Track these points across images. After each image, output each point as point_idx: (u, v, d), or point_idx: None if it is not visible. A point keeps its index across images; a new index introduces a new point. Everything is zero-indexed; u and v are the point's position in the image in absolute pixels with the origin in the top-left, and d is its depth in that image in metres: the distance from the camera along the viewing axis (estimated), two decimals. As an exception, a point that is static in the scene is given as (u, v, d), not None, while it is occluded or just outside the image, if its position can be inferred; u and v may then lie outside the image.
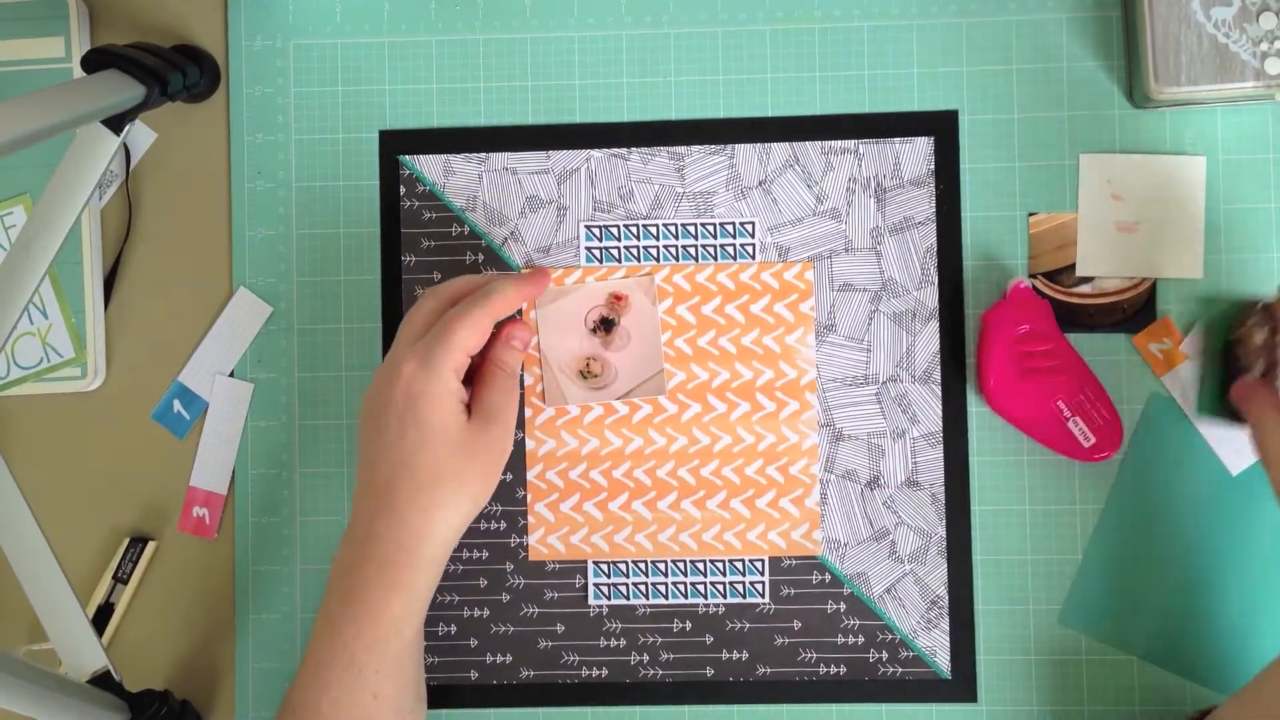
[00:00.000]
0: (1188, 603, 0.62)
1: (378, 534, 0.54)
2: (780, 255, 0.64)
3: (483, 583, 0.65)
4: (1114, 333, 0.63)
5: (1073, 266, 0.63)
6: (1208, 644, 0.62)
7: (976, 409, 0.63)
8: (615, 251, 0.64)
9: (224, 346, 0.65)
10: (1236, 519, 0.61)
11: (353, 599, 0.54)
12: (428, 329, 0.56)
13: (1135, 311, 0.63)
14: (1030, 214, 0.63)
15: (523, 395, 0.64)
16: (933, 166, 0.64)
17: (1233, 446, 0.62)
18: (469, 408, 0.56)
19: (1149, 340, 0.63)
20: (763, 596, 0.64)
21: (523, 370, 0.64)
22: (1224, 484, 0.62)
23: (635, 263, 0.64)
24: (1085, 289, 0.63)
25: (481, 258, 0.65)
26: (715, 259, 0.64)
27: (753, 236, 0.64)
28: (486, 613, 0.64)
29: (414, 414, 0.54)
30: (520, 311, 0.64)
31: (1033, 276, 0.63)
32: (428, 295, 0.58)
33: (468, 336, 0.55)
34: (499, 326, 0.58)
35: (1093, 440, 0.60)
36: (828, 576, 0.63)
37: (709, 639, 0.64)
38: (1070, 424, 0.61)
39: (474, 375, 0.58)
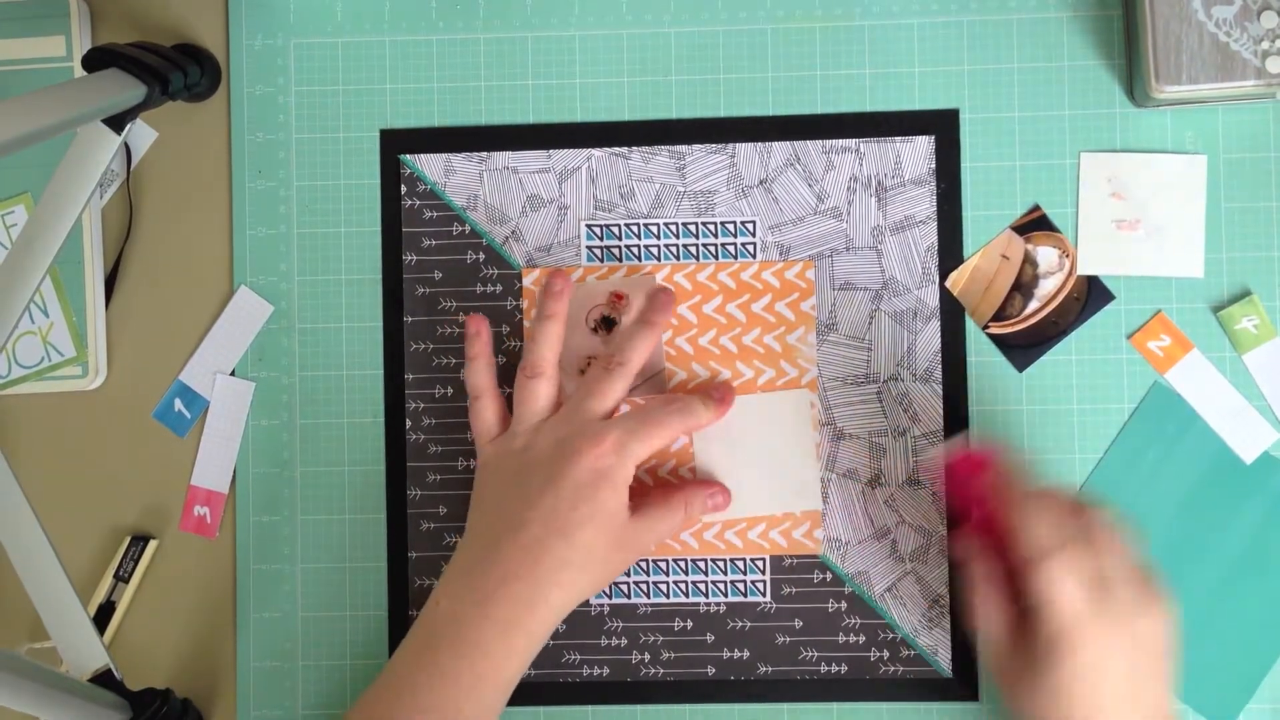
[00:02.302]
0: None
1: (510, 596, 0.54)
2: (781, 254, 0.64)
3: (484, 582, 0.64)
4: (1110, 342, 0.63)
5: (1009, 299, 0.63)
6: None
7: (976, 408, 0.63)
8: (616, 250, 0.64)
9: (225, 345, 0.65)
10: (1235, 509, 0.61)
11: (471, 653, 0.54)
12: (606, 397, 0.58)
13: (1083, 300, 0.62)
14: (941, 282, 0.62)
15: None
16: (933, 165, 0.64)
17: (1242, 435, 0.62)
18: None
19: (1146, 339, 0.63)
20: (764, 595, 0.64)
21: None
22: (1231, 470, 0.62)
23: (636, 262, 0.64)
24: (1032, 306, 0.63)
25: (482, 257, 0.65)
26: (716, 258, 0.64)
27: (754, 235, 0.64)
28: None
29: (593, 491, 0.55)
30: (520, 312, 0.64)
31: (985, 328, 0.63)
32: (615, 367, 0.59)
33: (663, 441, 0.57)
34: None
35: None
36: (829, 575, 0.63)
37: (710, 638, 0.64)
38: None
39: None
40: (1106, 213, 0.63)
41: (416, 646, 0.56)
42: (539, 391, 0.59)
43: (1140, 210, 0.62)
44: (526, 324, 0.64)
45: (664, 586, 0.64)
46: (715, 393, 0.61)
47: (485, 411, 0.60)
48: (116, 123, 0.57)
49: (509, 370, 0.64)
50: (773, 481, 0.63)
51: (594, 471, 0.55)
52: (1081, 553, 0.51)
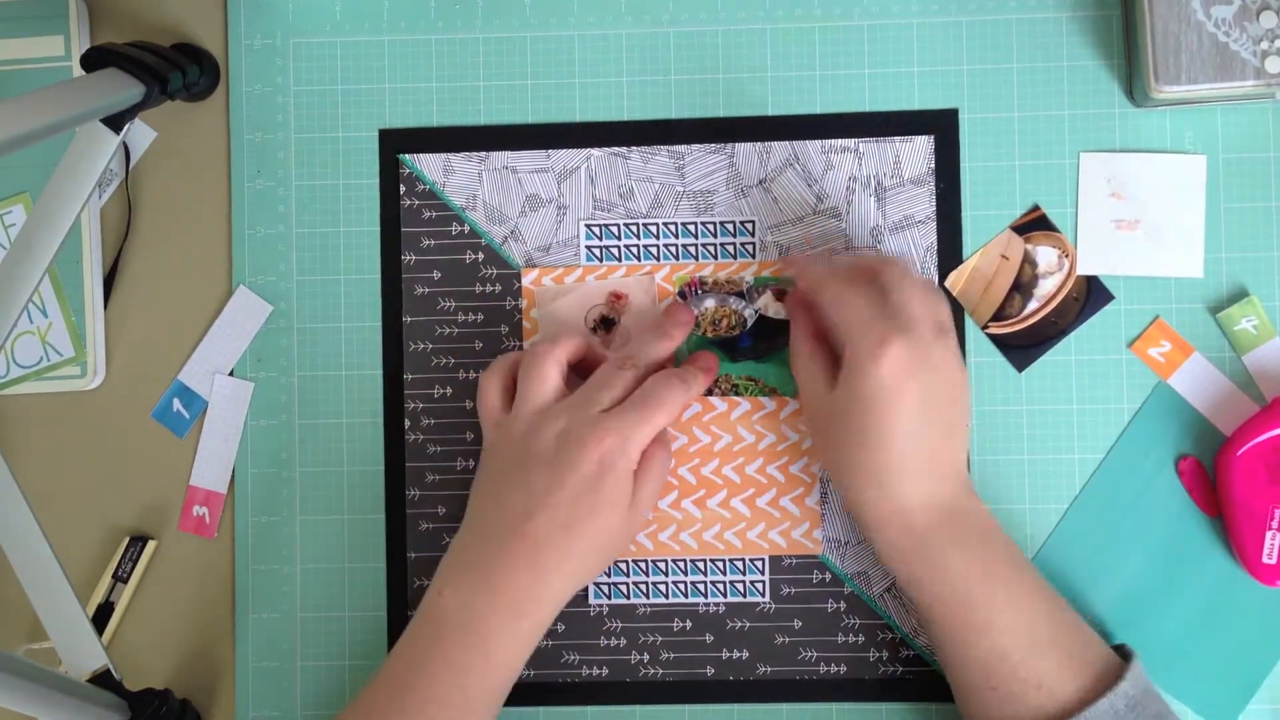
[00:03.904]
0: (1150, 586, 0.62)
1: (516, 588, 0.55)
2: (780, 254, 0.64)
3: (483, 582, 0.64)
4: (1110, 342, 0.63)
5: (1009, 299, 0.63)
6: (1162, 630, 0.62)
7: (977, 407, 0.63)
8: (615, 250, 0.64)
9: (224, 345, 0.65)
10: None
11: (479, 644, 0.55)
12: (614, 389, 0.58)
13: (1083, 301, 0.62)
14: (940, 282, 0.62)
15: (523, 394, 0.64)
16: (933, 165, 0.64)
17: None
18: None
19: (1146, 345, 0.62)
20: (763, 595, 0.63)
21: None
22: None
23: (635, 262, 0.64)
24: (1031, 306, 0.63)
25: (481, 256, 0.65)
26: (715, 258, 0.64)
27: (753, 235, 0.64)
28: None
29: (598, 483, 0.55)
30: (520, 312, 0.64)
31: (985, 328, 0.63)
32: (628, 365, 0.59)
33: (666, 419, 0.57)
34: None
35: (1275, 561, 0.59)
36: (828, 575, 0.63)
37: (709, 638, 0.64)
38: (1269, 535, 0.59)
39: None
40: (1106, 212, 0.63)
41: (421, 639, 0.56)
42: (550, 375, 0.58)
43: (1140, 210, 0.62)
44: (525, 324, 0.64)
45: (663, 587, 0.64)
46: (700, 361, 0.62)
47: (490, 384, 0.60)
48: (115, 122, 0.57)
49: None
50: None
51: (598, 464, 0.55)
52: (892, 321, 0.54)
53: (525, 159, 0.65)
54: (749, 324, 0.64)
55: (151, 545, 0.65)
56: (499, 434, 0.59)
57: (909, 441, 0.54)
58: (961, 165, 0.64)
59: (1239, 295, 0.62)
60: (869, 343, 0.54)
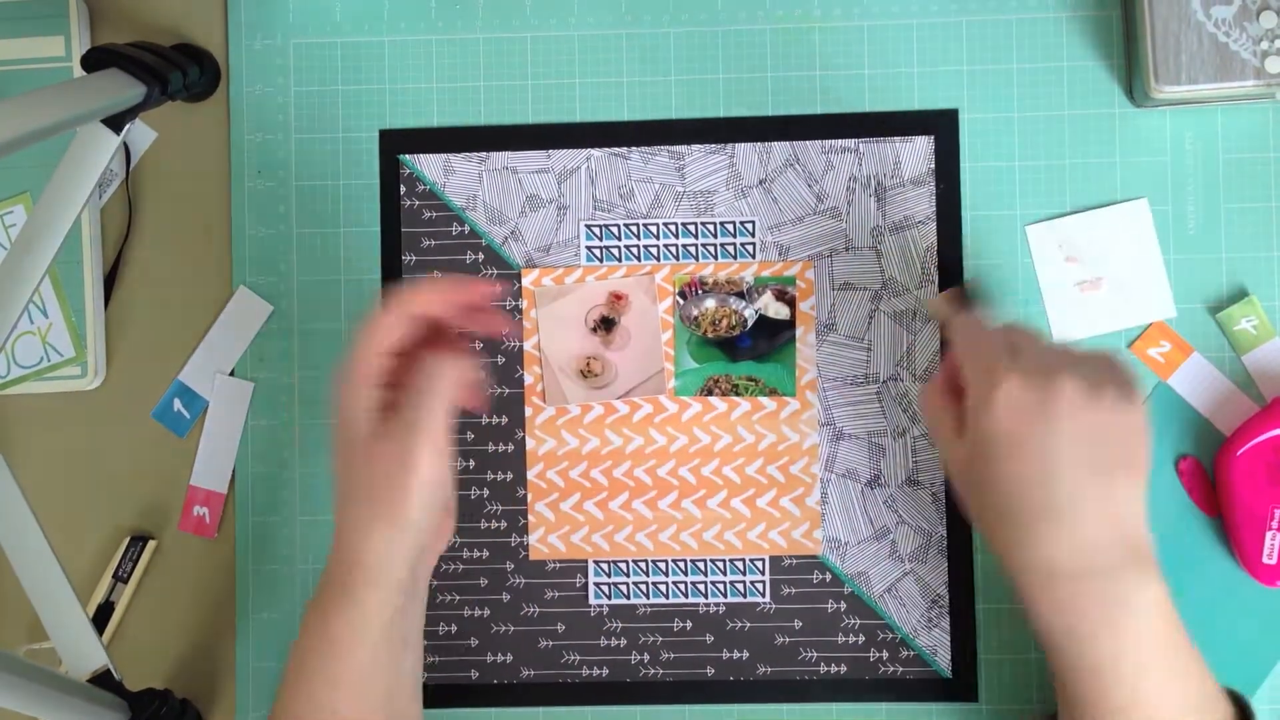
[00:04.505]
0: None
1: (332, 552, 0.52)
2: (780, 254, 0.64)
3: (483, 582, 0.64)
4: (1109, 342, 0.63)
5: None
6: None
7: (977, 408, 0.63)
8: (615, 251, 0.64)
9: (224, 345, 0.65)
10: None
11: (312, 608, 0.52)
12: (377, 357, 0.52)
13: None
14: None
15: (523, 394, 0.64)
16: (933, 165, 0.64)
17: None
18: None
19: (1146, 346, 0.62)
20: (763, 596, 0.63)
21: (523, 370, 0.64)
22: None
23: (635, 262, 0.64)
24: None
25: (481, 257, 0.65)
26: (715, 258, 0.64)
27: (753, 236, 0.64)
28: (487, 612, 0.64)
29: (336, 424, 0.51)
30: (520, 312, 0.64)
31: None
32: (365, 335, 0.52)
33: (371, 336, 0.51)
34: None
35: (1275, 561, 0.59)
36: (828, 576, 0.63)
37: (709, 638, 0.64)
38: (1269, 535, 0.59)
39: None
40: (1066, 277, 0.62)
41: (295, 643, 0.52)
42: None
43: (1098, 268, 0.62)
44: (526, 324, 0.64)
45: (663, 587, 0.64)
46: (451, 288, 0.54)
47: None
48: (116, 123, 0.57)
49: (506, 371, 0.64)
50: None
51: (334, 404, 0.51)
52: (1012, 361, 0.50)
53: (525, 159, 0.65)
54: (749, 324, 0.64)
55: (152, 545, 0.65)
56: None
57: (1038, 489, 0.49)
58: (961, 165, 0.64)
59: (1239, 295, 0.62)
60: (984, 385, 0.50)
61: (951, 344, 0.55)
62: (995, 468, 0.49)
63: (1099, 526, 0.48)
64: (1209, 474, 0.62)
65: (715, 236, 0.64)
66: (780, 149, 0.64)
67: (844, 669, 0.63)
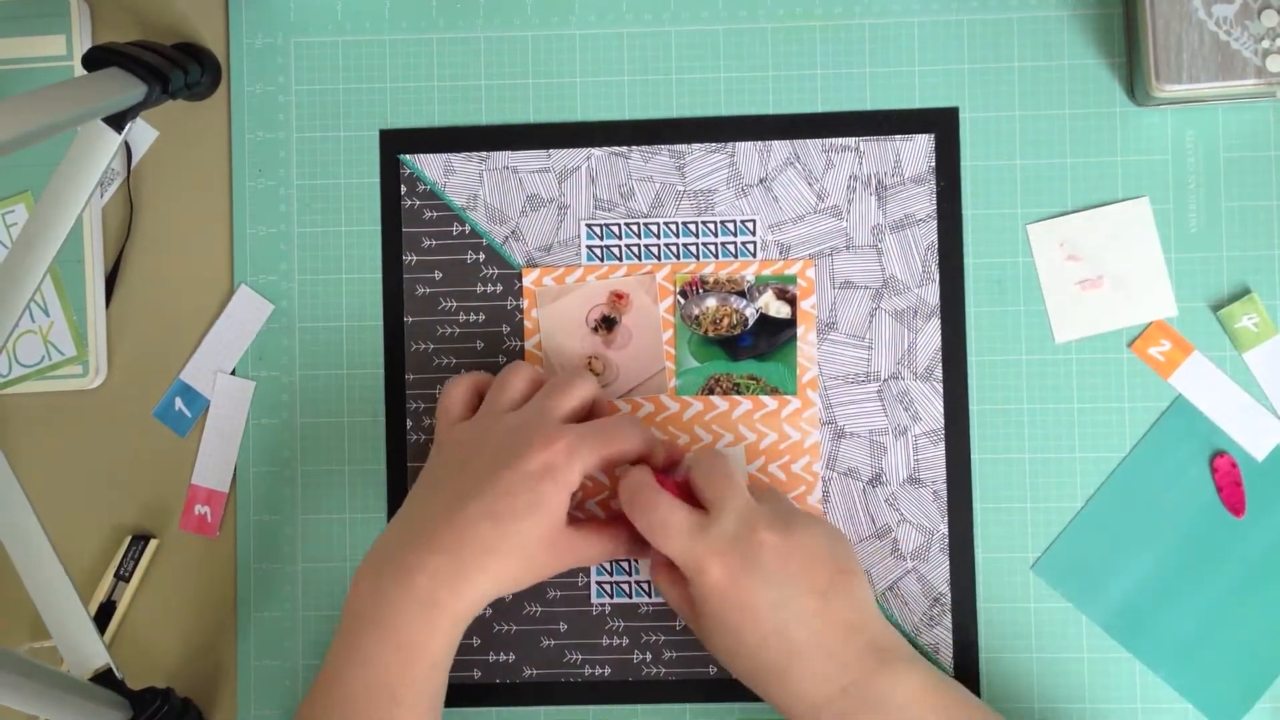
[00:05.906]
0: (1164, 584, 0.62)
1: (432, 571, 0.53)
2: (781, 253, 0.64)
3: (484, 581, 0.64)
4: (1110, 341, 0.63)
5: None
6: (1173, 630, 0.62)
7: (978, 406, 0.63)
8: (616, 250, 0.64)
9: (225, 344, 0.65)
10: (1250, 508, 0.61)
11: (393, 636, 0.52)
12: (574, 414, 0.57)
13: None
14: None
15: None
16: (933, 164, 0.64)
17: (1251, 433, 0.62)
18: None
19: (1147, 345, 0.62)
20: (764, 594, 0.63)
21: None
22: (1243, 469, 0.62)
23: (636, 261, 0.64)
24: None
25: (482, 256, 0.65)
26: (716, 257, 0.64)
27: (753, 234, 0.64)
28: (489, 611, 0.64)
29: (536, 483, 0.53)
30: (520, 312, 0.64)
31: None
32: (588, 380, 0.58)
33: (613, 451, 0.55)
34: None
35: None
36: (829, 574, 0.63)
37: (710, 637, 0.64)
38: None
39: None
40: (1067, 276, 0.62)
41: (342, 632, 0.54)
42: (520, 386, 0.58)
43: (1099, 266, 0.62)
44: (527, 324, 0.64)
45: (664, 585, 0.64)
46: (670, 447, 0.61)
47: (456, 390, 0.59)
48: (117, 121, 0.57)
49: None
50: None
51: (543, 465, 0.53)
52: (703, 539, 0.53)
53: (526, 159, 0.65)
54: (750, 323, 0.64)
55: (153, 544, 0.65)
56: (450, 436, 0.58)
57: (777, 639, 0.53)
58: (962, 164, 0.64)
59: (1240, 294, 0.62)
60: (694, 574, 0.54)
61: (637, 523, 0.56)
62: (735, 636, 0.54)
63: (841, 646, 0.53)
64: (1242, 473, 0.61)
65: (716, 235, 0.64)
66: (780, 147, 0.64)
67: (845, 668, 0.63)
